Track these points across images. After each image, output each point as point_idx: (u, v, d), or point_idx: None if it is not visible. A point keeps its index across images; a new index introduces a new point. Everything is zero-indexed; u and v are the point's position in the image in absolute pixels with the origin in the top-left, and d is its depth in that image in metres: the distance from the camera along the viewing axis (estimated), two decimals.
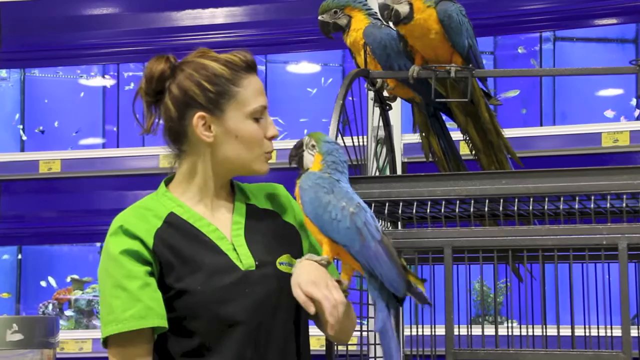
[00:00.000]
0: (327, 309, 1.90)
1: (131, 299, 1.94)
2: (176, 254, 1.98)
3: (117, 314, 1.94)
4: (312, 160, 2.09)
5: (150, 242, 1.98)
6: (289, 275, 2.00)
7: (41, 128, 4.44)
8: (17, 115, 4.48)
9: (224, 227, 2.05)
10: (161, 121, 2.07)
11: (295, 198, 2.10)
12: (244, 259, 2.01)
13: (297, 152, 2.11)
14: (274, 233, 2.09)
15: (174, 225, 2.01)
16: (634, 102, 3.85)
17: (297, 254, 2.08)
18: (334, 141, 2.12)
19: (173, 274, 1.97)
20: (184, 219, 2.03)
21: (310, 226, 2.04)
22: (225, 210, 2.08)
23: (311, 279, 1.94)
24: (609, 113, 3.84)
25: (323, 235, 2.01)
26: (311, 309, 1.92)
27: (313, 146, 2.09)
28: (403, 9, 2.46)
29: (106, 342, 1.97)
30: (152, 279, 1.97)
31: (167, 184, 2.09)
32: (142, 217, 2.01)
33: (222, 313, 1.96)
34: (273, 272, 2.02)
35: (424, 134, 2.75)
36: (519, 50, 3.99)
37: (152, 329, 1.95)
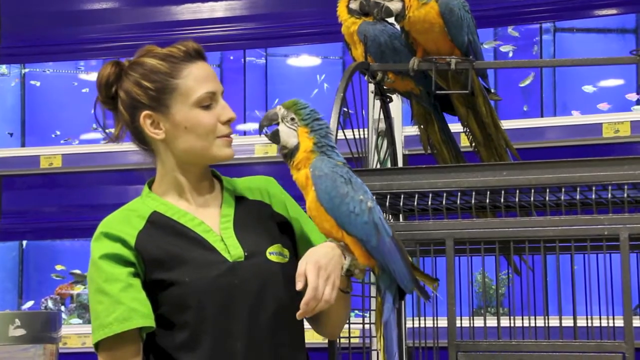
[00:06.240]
0: (306, 297, 1.88)
1: (113, 302, 1.94)
2: (161, 250, 1.98)
3: (102, 319, 1.94)
4: (294, 134, 1.99)
5: (132, 242, 1.98)
6: (280, 264, 2.00)
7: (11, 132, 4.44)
8: (18, 111, 4.48)
9: (210, 220, 2.04)
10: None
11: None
12: (232, 250, 2.00)
13: (268, 122, 2.00)
14: (264, 223, 2.08)
15: (157, 223, 2.01)
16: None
17: (288, 243, 2.07)
18: (309, 105, 2.01)
19: (160, 269, 1.97)
20: (168, 216, 2.03)
21: (323, 216, 1.96)
22: (212, 204, 2.08)
23: (321, 263, 1.91)
24: (576, 113, 3.84)
25: (339, 227, 1.95)
26: (298, 285, 1.90)
27: (293, 119, 1.99)
28: (395, 6, 2.42)
29: (97, 347, 1.98)
30: (136, 280, 1.96)
31: (150, 185, 2.10)
32: (126, 218, 2.02)
33: (211, 304, 1.96)
34: (263, 262, 2.01)
35: (422, 126, 2.75)
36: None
37: (139, 329, 1.95)
